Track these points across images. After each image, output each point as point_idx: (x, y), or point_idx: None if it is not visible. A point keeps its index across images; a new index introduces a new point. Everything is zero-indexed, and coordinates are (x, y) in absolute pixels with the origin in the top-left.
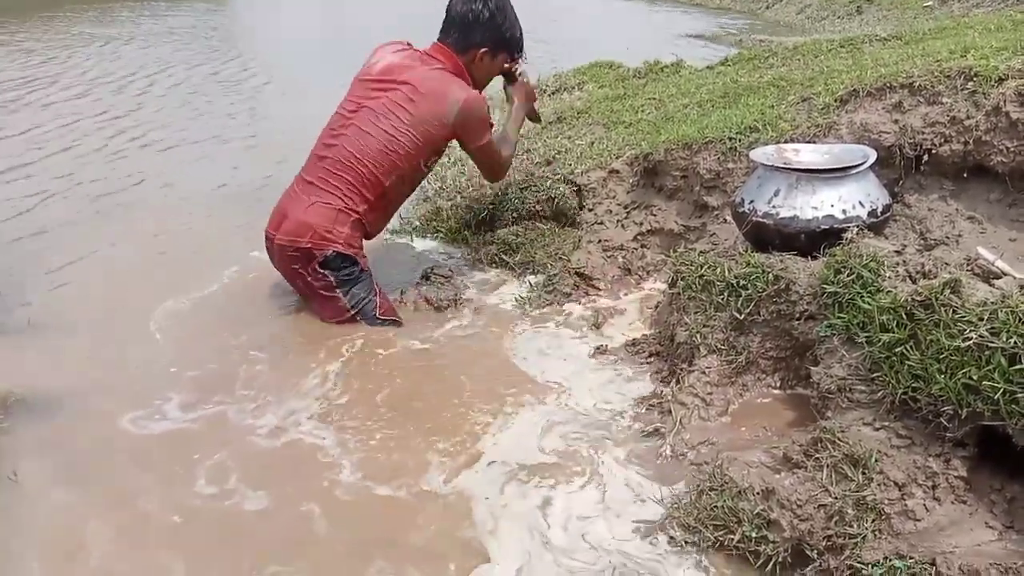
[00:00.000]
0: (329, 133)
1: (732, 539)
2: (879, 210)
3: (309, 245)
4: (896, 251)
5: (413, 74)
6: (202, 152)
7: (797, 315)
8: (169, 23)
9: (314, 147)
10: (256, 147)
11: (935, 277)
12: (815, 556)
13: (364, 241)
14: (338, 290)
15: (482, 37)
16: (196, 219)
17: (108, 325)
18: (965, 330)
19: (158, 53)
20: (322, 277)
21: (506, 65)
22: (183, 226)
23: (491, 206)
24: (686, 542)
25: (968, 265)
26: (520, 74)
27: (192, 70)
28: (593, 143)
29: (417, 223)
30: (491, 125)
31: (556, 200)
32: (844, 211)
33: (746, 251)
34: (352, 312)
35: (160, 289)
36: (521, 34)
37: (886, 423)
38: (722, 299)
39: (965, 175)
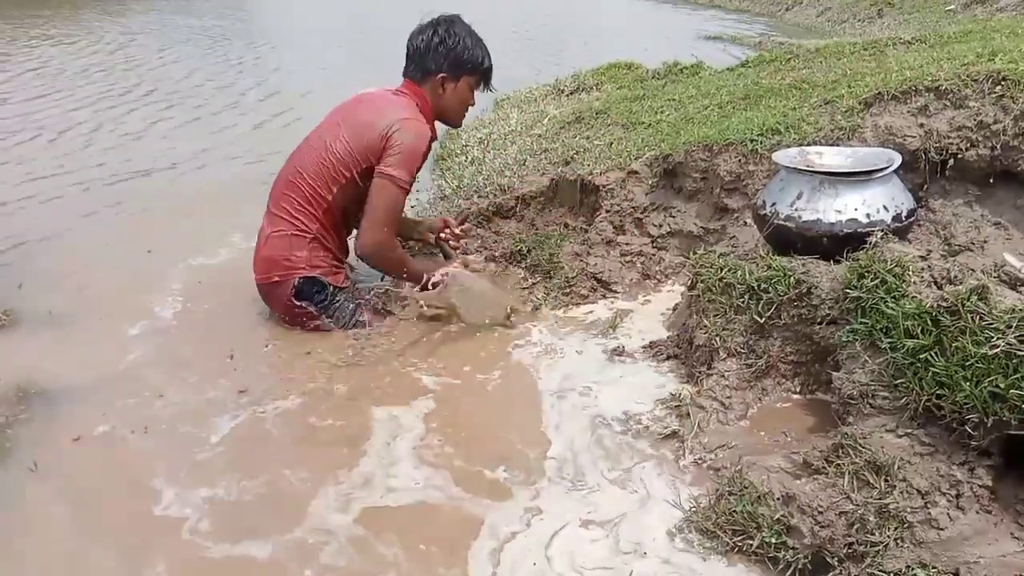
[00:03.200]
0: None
1: (751, 544)
2: (903, 215)
3: (277, 279)
4: (921, 256)
5: (371, 95)
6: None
7: (819, 319)
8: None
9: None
10: None
11: (961, 283)
12: (836, 563)
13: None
14: (322, 317)
15: (436, 63)
16: (234, 214)
17: (143, 322)
18: (992, 337)
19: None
20: (302, 309)
21: (442, 235)
22: (222, 223)
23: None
24: (704, 546)
25: (994, 272)
26: (456, 257)
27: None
28: (612, 143)
29: None
30: (413, 176)
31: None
32: (868, 215)
33: (767, 254)
34: (342, 329)
35: (188, 287)
36: (485, 56)
37: (909, 430)
38: (742, 302)
39: (991, 180)
